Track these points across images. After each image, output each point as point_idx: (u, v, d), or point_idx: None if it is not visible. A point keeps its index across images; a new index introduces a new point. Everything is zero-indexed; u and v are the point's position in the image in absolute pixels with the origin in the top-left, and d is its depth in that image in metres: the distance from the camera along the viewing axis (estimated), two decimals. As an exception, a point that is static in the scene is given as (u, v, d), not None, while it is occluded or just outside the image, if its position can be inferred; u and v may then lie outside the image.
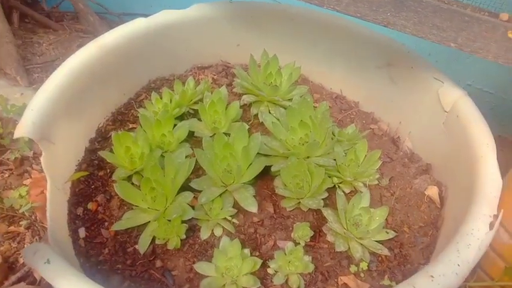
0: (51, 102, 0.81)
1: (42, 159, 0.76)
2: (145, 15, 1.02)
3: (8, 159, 1.05)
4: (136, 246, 0.76)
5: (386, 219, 0.82)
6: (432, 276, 0.58)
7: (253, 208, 0.81)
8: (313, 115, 0.87)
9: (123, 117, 1.00)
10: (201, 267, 0.72)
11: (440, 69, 0.96)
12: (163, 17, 1.02)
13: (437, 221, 0.85)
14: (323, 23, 1.08)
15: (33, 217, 0.95)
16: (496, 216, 0.67)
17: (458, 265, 0.60)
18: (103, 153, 0.85)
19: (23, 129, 0.75)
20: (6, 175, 1.04)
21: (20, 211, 0.93)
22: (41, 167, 1.04)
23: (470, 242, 0.63)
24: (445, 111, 0.92)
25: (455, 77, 0.95)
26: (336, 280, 0.74)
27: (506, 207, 0.69)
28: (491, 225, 0.65)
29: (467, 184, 0.78)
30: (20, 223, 0.94)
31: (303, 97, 0.95)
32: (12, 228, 0.93)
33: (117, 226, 0.77)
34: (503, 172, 0.76)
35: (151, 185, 0.77)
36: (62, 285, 0.55)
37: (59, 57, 1.44)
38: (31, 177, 1.01)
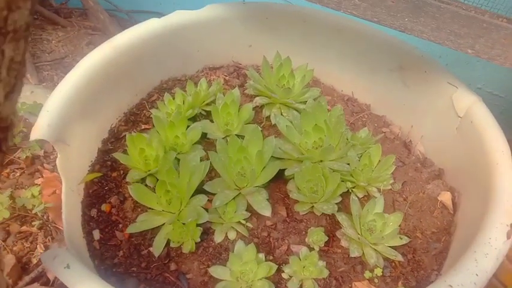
0: (67, 104, 0.81)
1: (57, 160, 0.76)
2: (155, 13, 1.02)
3: (19, 157, 1.05)
4: (151, 249, 0.77)
5: (399, 225, 0.82)
6: (451, 286, 0.58)
7: (266, 212, 0.81)
8: (328, 119, 0.87)
9: (136, 118, 1.00)
10: (216, 271, 0.73)
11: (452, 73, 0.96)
12: (177, 17, 1.02)
13: (450, 227, 0.85)
14: (335, 25, 1.08)
15: (45, 217, 0.95)
16: (513, 226, 0.67)
17: (477, 275, 0.60)
18: (117, 155, 0.85)
19: (39, 131, 0.75)
20: (18, 174, 1.04)
21: (33, 211, 0.93)
22: (52, 166, 1.05)
23: (488, 251, 0.63)
24: (459, 117, 0.92)
25: (465, 80, 0.94)
26: (350, 286, 0.74)
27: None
28: (508, 235, 0.65)
29: (481, 191, 0.78)
30: (33, 223, 0.94)
31: (317, 100, 0.94)
32: (24, 228, 0.93)
33: (132, 228, 0.77)
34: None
35: (166, 187, 0.77)
36: (83, 291, 0.55)
37: (68, 54, 1.43)
38: (42, 176, 1.01)
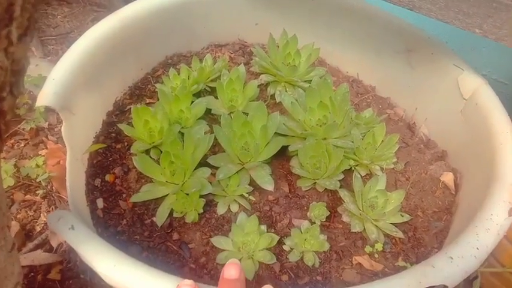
0: (73, 73, 0.81)
1: (62, 128, 0.76)
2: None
3: (23, 129, 1.06)
4: (154, 219, 0.77)
5: (401, 203, 0.82)
6: (451, 258, 0.59)
7: (269, 186, 0.81)
8: (333, 96, 0.87)
9: (140, 92, 1.00)
10: (218, 241, 0.73)
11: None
12: (184, -8, 1.01)
13: (451, 206, 0.85)
14: (343, 5, 1.07)
15: (49, 187, 0.95)
16: (515, 203, 0.67)
17: (477, 248, 0.60)
18: (122, 126, 0.85)
19: (45, 98, 0.75)
20: (22, 145, 1.04)
21: (37, 180, 0.93)
22: (57, 138, 1.05)
23: (489, 226, 0.63)
24: (464, 99, 0.92)
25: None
26: (350, 260, 0.75)
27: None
28: (510, 212, 0.66)
29: (484, 172, 0.78)
30: (36, 192, 0.94)
31: (323, 78, 0.94)
32: (28, 197, 0.93)
33: (135, 198, 0.78)
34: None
35: (170, 159, 0.77)
36: (87, 251, 0.56)
37: (73, 30, 1.43)
38: (46, 147, 1.01)
